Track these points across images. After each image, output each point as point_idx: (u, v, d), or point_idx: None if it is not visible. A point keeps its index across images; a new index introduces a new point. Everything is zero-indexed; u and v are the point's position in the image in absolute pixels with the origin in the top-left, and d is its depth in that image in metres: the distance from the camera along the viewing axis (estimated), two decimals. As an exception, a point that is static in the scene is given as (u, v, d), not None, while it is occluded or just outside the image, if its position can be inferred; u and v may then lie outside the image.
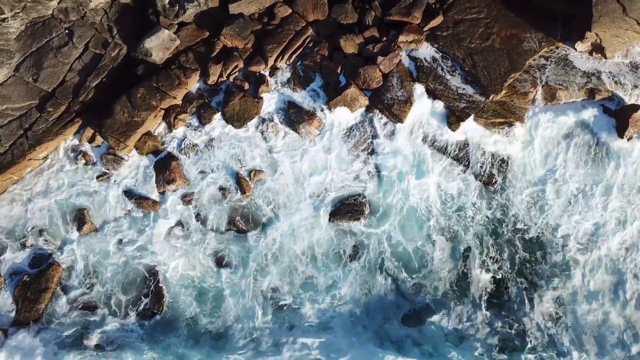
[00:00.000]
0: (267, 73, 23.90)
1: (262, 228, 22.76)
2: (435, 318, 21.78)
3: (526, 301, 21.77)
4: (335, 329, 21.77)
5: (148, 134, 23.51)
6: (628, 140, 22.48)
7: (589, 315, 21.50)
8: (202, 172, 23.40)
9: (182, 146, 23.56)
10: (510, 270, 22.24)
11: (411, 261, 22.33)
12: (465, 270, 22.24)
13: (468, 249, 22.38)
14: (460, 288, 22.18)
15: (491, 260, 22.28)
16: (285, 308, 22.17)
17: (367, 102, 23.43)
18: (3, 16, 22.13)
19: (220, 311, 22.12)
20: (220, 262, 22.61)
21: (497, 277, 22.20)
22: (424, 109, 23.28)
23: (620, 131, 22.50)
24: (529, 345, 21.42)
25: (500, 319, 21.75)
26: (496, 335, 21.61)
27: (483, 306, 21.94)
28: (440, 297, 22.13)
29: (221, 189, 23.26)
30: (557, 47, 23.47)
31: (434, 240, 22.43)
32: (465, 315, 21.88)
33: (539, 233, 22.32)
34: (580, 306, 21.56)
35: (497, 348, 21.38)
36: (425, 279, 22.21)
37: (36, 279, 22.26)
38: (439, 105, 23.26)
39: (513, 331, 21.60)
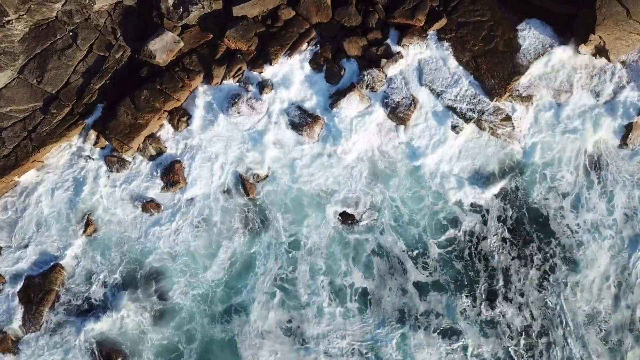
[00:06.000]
0: (270, 75, 23.87)
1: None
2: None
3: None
4: None
5: (152, 136, 23.53)
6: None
7: None
8: (205, 173, 23.46)
9: (186, 148, 23.59)
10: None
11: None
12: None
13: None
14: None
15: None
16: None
17: (370, 104, 23.44)
18: (7, 18, 22.14)
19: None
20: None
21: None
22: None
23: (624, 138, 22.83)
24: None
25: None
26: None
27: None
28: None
29: (225, 191, 23.34)
30: (560, 50, 23.43)
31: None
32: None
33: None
34: None
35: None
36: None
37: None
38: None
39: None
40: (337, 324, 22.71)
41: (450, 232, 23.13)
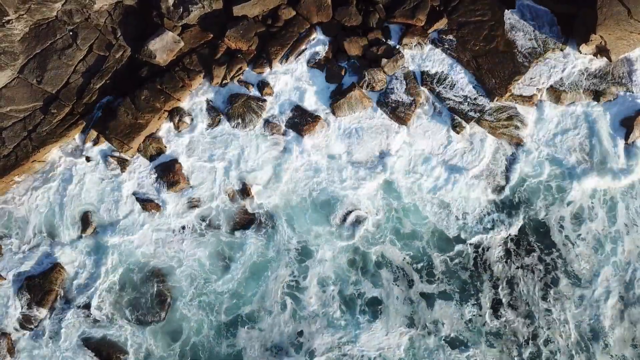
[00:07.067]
0: (271, 75, 23.85)
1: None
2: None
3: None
4: None
5: (152, 136, 23.51)
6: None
7: None
8: (206, 174, 23.44)
9: (187, 148, 23.54)
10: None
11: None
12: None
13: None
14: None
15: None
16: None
17: (371, 104, 23.44)
18: (7, 18, 22.13)
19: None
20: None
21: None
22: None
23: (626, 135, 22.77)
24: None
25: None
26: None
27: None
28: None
29: (226, 192, 23.30)
30: (561, 50, 23.42)
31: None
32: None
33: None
34: None
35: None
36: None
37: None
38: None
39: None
40: (347, 333, 22.57)
41: (458, 246, 23.02)
